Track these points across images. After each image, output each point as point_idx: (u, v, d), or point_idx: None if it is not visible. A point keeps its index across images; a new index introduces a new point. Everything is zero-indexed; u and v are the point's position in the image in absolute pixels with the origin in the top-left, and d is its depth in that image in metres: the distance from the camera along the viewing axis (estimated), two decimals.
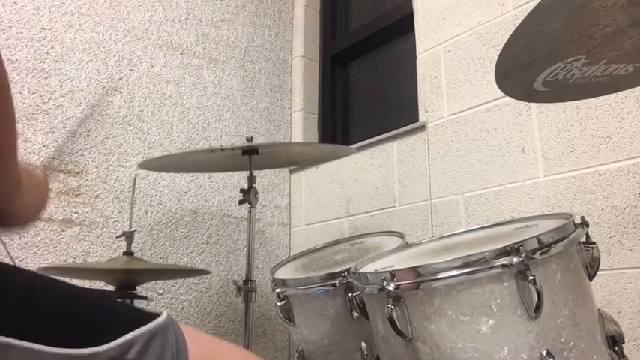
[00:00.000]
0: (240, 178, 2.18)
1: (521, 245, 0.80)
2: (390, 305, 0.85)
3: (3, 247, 0.74)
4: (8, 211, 0.61)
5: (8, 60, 1.73)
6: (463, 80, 1.75)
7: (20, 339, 0.46)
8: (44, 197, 0.72)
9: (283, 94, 2.48)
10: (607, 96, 1.35)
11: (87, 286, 1.69)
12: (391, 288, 0.85)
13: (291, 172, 2.39)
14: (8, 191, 0.55)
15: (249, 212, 1.56)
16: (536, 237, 0.83)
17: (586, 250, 0.91)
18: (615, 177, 1.35)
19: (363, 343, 1.13)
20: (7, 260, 1.57)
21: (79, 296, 0.56)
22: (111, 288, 1.52)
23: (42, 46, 1.81)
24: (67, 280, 1.67)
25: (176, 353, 0.55)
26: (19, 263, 1.61)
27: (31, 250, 1.66)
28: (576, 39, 0.82)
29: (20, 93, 1.73)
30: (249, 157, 1.52)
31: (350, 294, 1.11)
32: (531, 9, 0.78)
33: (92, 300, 0.57)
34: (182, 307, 1.95)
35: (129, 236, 1.50)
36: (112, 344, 0.51)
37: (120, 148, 1.91)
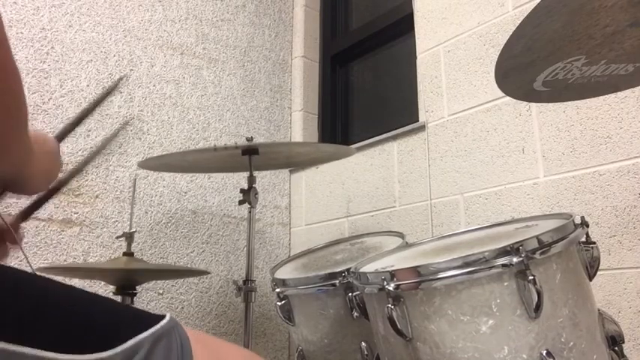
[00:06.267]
0: (240, 178, 2.18)
1: (521, 245, 0.80)
2: (390, 305, 0.85)
3: (19, 248, 0.74)
4: (19, 179, 0.62)
5: None
6: (463, 80, 1.75)
7: (23, 345, 0.46)
8: (56, 165, 0.72)
9: (283, 94, 2.48)
10: (607, 96, 1.35)
11: (87, 286, 1.69)
12: (391, 288, 0.85)
13: (291, 172, 2.39)
14: (19, 161, 0.56)
15: (249, 212, 1.56)
16: (536, 237, 0.83)
17: (586, 250, 0.91)
18: (615, 177, 1.35)
19: (363, 343, 1.13)
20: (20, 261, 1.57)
21: (84, 301, 0.56)
22: (111, 288, 1.52)
23: (42, 46, 1.81)
24: (67, 280, 1.66)
25: (181, 356, 0.55)
26: (19, 263, 1.61)
27: (31, 249, 1.66)
28: (576, 39, 0.82)
29: None
30: (249, 157, 1.52)
31: (350, 294, 1.11)
32: (531, 9, 0.78)
33: (97, 305, 0.56)
34: (182, 307, 1.95)
35: (129, 237, 1.50)
36: (117, 349, 0.50)
37: (120, 148, 1.91)
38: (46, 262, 1.68)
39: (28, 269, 0.60)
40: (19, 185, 0.64)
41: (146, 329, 0.54)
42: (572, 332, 0.82)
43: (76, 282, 1.66)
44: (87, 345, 0.50)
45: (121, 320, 0.55)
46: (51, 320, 0.49)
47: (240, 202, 1.55)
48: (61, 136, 0.82)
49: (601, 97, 1.36)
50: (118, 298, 1.49)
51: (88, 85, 1.88)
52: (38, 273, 0.59)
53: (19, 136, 0.51)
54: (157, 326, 0.55)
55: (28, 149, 0.56)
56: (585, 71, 0.90)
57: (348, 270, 1.12)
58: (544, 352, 0.79)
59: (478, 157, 1.66)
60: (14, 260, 0.73)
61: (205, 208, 2.10)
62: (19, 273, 0.52)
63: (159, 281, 1.90)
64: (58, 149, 0.74)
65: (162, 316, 0.57)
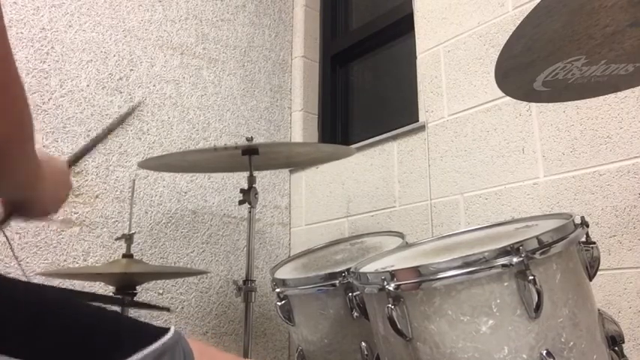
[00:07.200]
0: (240, 178, 2.18)
1: (521, 245, 0.80)
2: (390, 305, 0.85)
3: (9, 248, 0.74)
4: (28, 200, 0.62)
5: None
6: (463, 80, 1.75)
7: (24, 358, 0.46)
8: (64, 189, 0.72)
9: (283, 94, 2.48)
10: (607, 96, 1.35)
11: (87, 287, 1.69)
12: (391, 288, 0.85)
13: (291, 172, 2.39)
14: (28, 180, 0.55)
15: (249, 212, 1.56)
16: (536, 237, 0.83)
17: (586, 250, 0.91)
18: (615, 177, 1.35)
19: (363, 343, 1.13)
20: (11, 263, 1.57)
21: (87, 314, 0.55)
22: (111, 288, 1.52)
23: (42, 46, 1.81)
24: (66, 282, 1.66)
25: None
26: (18, 264, 1.61)
27: (31, 250, 1.66)
28: (576, 39, 0.82)
29: None
30: (249, 157, 1.52)
31: (350, 294, 1.11)
32: (531, 9, 0.78)
33: (100, 319, 0.56)
34: (182, 307, 1.95)
35: (128, 239, 1.50)
36: None
37: (120, 148, 1.91)
38: (45, 262, 1.68)
39: (30, 267, 0.60)
40: (26, 207, 0.63)
41: (149, 344, 0.53)
42: (572, 332, 0.82)
43: (75, 283, 1.66)
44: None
45: (123, 334, 0.55)
46: (51, 332, 0.49)
47: (240, 202, 1.55)
48: (73, 161, 0.81)
49: (601, 97, 1.36)
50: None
51: (88, 85, 1.88)
52: (38, 276, 0.59)
53: (28, 153, 0.50)
54: (160, 341, 0.54)
55: (36, 168, 0.55)
56: (585, 71, 0.90)
57: (348, 270, 1.12)
58: (544, 352, 0.79)
59: (478, 157, 1.66)
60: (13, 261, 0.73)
61: (205, 208, 2.10)
62: (19, 283, 0.52)
63: (159, 281, 1.90)
64: (67, 169, 0.73)
65: (167, 330, 0.56)
